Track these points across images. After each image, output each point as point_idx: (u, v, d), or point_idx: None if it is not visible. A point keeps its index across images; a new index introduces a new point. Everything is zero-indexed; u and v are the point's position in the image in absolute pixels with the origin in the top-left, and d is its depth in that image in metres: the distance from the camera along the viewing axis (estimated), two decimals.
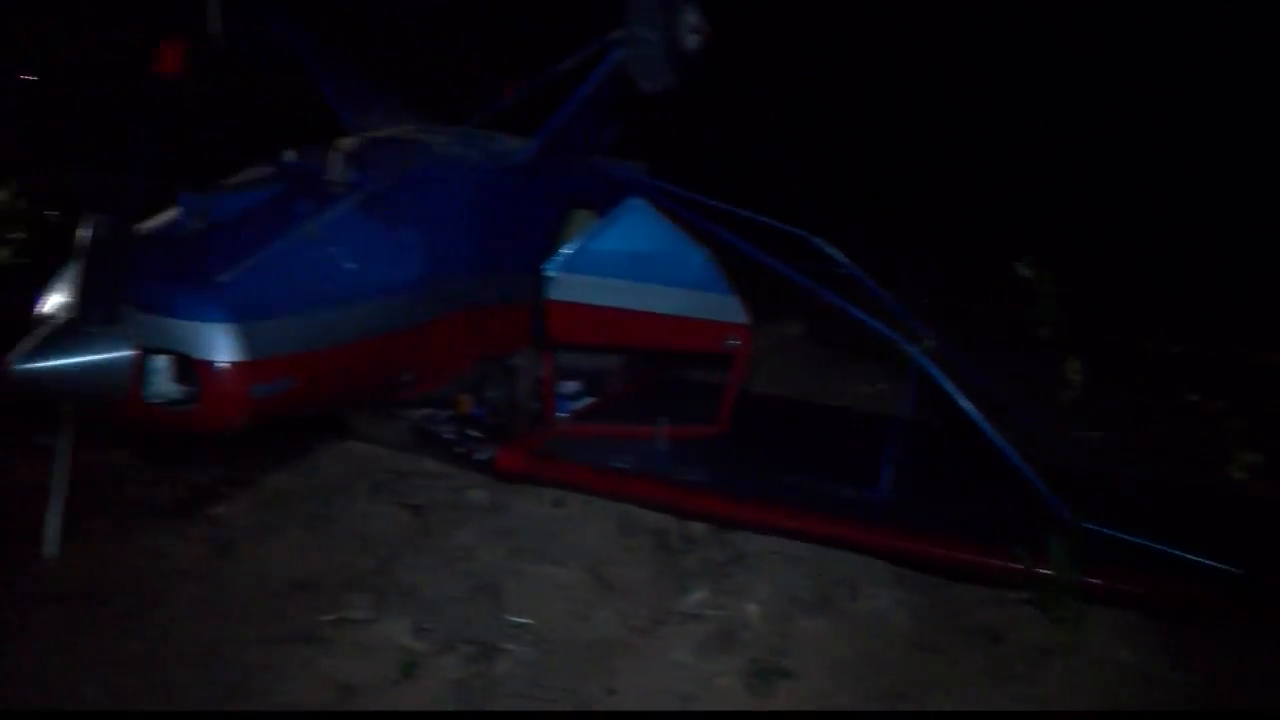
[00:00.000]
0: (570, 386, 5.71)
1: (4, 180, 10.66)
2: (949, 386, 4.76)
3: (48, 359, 3.43)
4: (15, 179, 10.73)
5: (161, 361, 3.72)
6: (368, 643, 4.23)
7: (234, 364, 3.59)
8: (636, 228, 5.18)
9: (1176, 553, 4.29)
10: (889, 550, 4.61)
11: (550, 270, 5.03)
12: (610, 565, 4.86)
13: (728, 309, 5.35)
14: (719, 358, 5.53)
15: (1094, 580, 4.17)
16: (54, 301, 3.79)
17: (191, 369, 3.63)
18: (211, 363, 3.58)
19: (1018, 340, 8.89)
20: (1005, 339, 8.86)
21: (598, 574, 4.79)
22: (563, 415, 5.48)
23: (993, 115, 17.64)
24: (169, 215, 4.03)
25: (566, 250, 5.10)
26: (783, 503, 4.77)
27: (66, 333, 3.49)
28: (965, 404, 4.71)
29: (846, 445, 5.71)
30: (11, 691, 3.89)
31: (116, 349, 3.54)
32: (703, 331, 5.35)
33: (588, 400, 5.80)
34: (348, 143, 4.74)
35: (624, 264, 5.11)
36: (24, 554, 4.56)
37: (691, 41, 5.01)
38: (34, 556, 4.45)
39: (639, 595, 4.66)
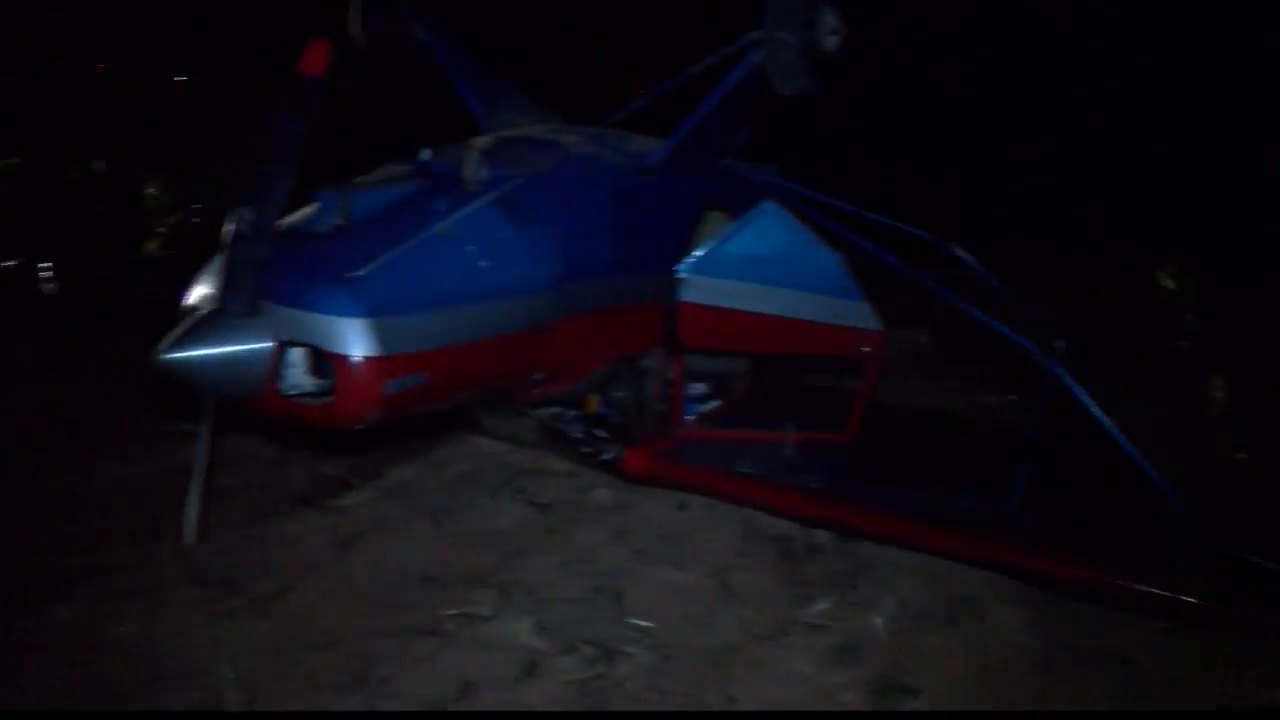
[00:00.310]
0: (696, 389, 5.67)
1: (153, 176, 11.10)
2: (1085, 399, 4.59)
3: (191, 349, 3.51)
4: (163, 175, 11.16)
5: (298, 355, 3.78)
6: (489, 640, 4.27)
7: (368, 359, 3.62)
8: (770, 231, 5.11)
9: None
10: (1018, 568, 4.46)
11: (682, 272, 5.00)
12: (733, 571, 4.83)
13: (860, 315, 5.25)
14: (849, 364, 5.43)
15: (1236, 609, 3.98)
16: (199, 293, 3.88)
17: (326, 363, 3.69)
18: (346, 357, 3.61)
19: (1152, 353, 8.58)
20: (1138, 351, 8.55)
21: (720, 579, 4.76)
22: (689, 418, 5.44)
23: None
24: (308, 211, 4.09)
25: (699, 252, 5.07)
26: (910, 514, 4.66)
27: (209, 324, 3.56)
28: (1102, 418, 4.54)
29: (976, 457, 5.56)
30: (152, 665, 4.03)
31: (256, 341, 3.61)
32: (834, 337, 5.26)
33: (714, 403, 5.75)
34: (483, 142, 4.76)
35: (756, 267, 5.05)
36: (167, 536, 4.74)
37: (830, 44, 4.92)
38: (175, 539, 4.56)
39: (761, 602, 4.62)
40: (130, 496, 5.16)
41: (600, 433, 5.08)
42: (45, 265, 9.15)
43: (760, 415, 5.66)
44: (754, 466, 5.01)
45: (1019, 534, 4.47)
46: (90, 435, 5.69)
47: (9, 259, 9.50)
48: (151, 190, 11.12)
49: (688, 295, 4.99)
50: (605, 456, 5.02)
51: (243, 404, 3.72)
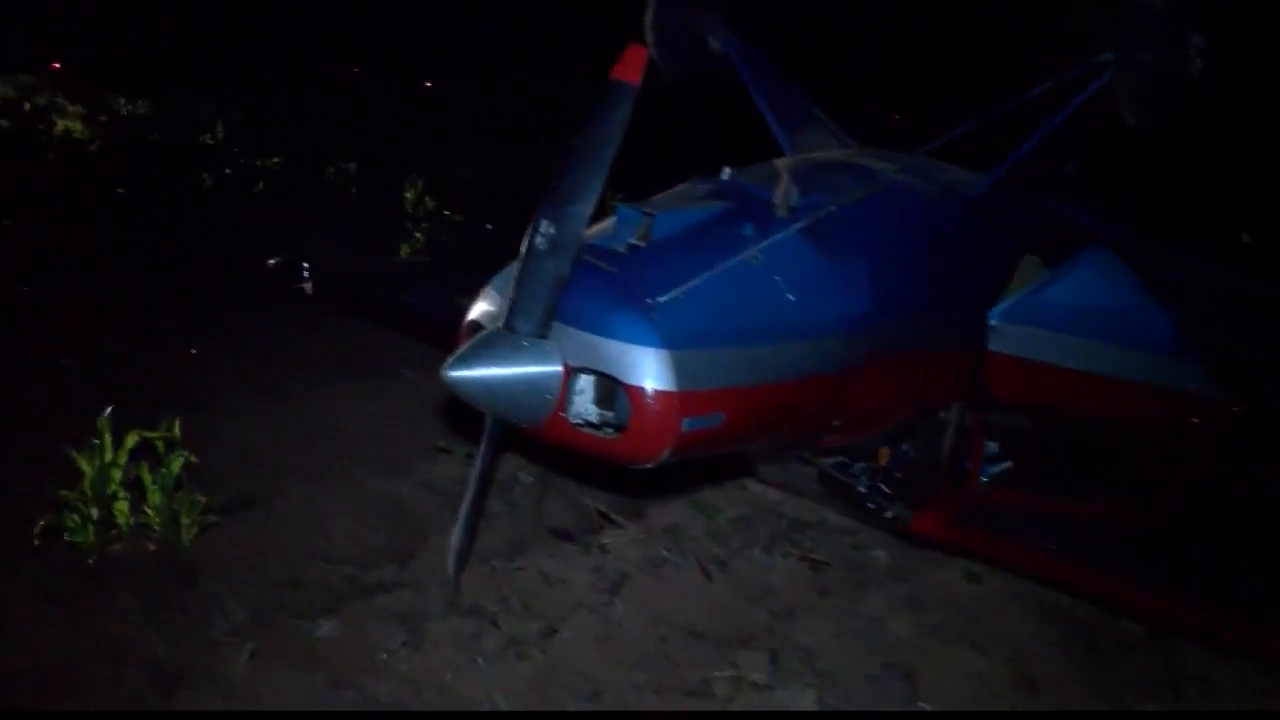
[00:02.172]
0: (989, 448, 5.11)
1: (412, 180, 11.20)
2: None
3: (476, 368, 3.25)
4: (420, 178, 11.24)
5: (584, 381, 3.47)
6: (766, 710, 3.87)
7: (669, 393, 3.25)
8: (1097, 279, 4.57)
9: None
10: None
11: (996, 319, 4.49)
12: (1033, 660, 4.34)
13: (1194, 379, 4.65)
14: (1175, 432, 4.83)
15: None
16: (484, 308, 3.62)
17: (621, 394, 3.35)
18: (644, 389, 3.26)
19: None
20: None
21: (1019, 668, 4.27)
22: (982, 479, 4.90)
23: None
24: (603, 227, 3.77)
25: (1016, 298, 4.55)
26: (1250, 616, 4.02)
27: (496, 343, 3.30)
28: None
29: None
30: (413, 694, 3.83)
31: (544, 364, 3.31)
32: (1162, 402, 4.67)
33: (1006, 464, 5.17)
34: (790, 164, 4.38)
35: (1080, 319, 4.52)
36: (430, 559, 4.55)
37: (1195, 68, 4.34)
38: (438, 563, 4.39)
39: (1069, 702, 4.13)
40: (398, 513, 4.94)
41: (885, 488, 4.60)
42: (305, 265, 9.24)
43: (1060, 481, 5.08)
44: (1055, 539, 4.47)
45: None
46: (363, 444, 5.52)
47: (271, 257, 9.65)
48: (409, 194, 11.21)
49: (1002, 345, 4.48)
50: (889, 514, 4.54)
51: (525, 429, 3.43)
